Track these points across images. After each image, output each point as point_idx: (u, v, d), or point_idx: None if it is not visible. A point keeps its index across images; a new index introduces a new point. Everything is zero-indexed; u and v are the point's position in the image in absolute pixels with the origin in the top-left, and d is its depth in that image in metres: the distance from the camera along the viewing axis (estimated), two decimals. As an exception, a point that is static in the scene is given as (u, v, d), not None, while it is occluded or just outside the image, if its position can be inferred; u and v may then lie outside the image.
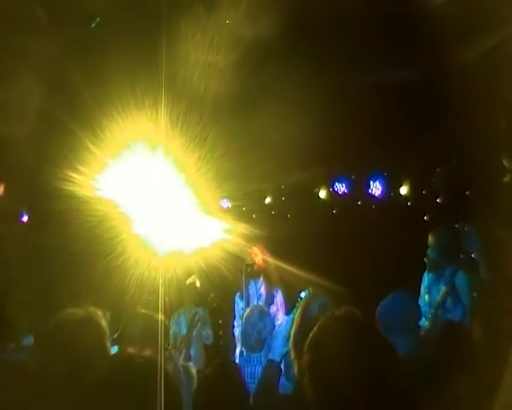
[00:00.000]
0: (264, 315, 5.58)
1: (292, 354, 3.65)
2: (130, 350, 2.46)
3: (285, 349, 3.83)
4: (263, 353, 5.34)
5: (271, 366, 3.83)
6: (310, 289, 6.48)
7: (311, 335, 2.48)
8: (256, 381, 4.86)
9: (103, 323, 3.24)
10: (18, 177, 8.65)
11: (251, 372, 5.06)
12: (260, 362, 5.21)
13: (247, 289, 7.22)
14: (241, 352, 5.79)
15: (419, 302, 6.83)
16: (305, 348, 2.47)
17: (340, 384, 2.29)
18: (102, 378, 2.27)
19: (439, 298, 6.76)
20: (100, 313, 3.30)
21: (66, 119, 6.85)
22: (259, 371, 5.11)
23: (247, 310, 5.67)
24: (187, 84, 7.27)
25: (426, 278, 6.95)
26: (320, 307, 3.60)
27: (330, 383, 2.32)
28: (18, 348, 5.46)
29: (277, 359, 3.81)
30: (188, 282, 8.47)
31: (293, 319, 3.91)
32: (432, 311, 6.75)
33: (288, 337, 3.82)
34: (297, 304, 6.47)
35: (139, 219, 9.76)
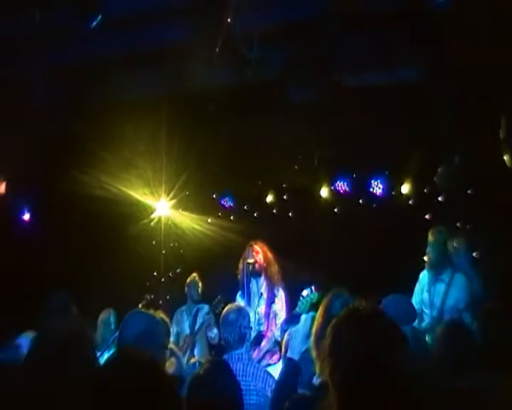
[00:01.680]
0: (242, 310, 5.59)
1: (314, 352, 3.63)
2: (129, 350, 2.45)
3: (304, 347, 3.83)
4: (244, 349, 5.34)
5: (290, 363, 3.82)
6: (312, 287, 6.51)
7: (334, 320, 2.49)
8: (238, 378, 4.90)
9: (91, 337, 3.24)
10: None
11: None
12: (241, 359, 5.20)
13: (249, 288, 7.22)
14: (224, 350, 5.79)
15: (417, 301, 6.84)
16: (328, 332, 2.47)
17: (356, 372, 2.31)
18: (97, 380, 2.26)
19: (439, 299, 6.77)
20: (89, 327, 3.32)
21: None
22: (241, 367, 5.11)
23: (224, 309, 5.65)
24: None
25: (426, 277, 6.95)
26: (342, 305, 3.57)
27: (347, 369, 2.33)
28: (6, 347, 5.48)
29: (296, 357, 3.80)
30: (189, 280, 8.47)
31: (312, 318, 3.89)
32: (433, 311, 6.76)
33: (308, 336, 3.81)
34: (299, 302, 6.51)
35: (141, 218, 9.74)
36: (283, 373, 3.89)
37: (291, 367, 3.83)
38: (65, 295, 5.52)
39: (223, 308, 7.21)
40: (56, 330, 3.10)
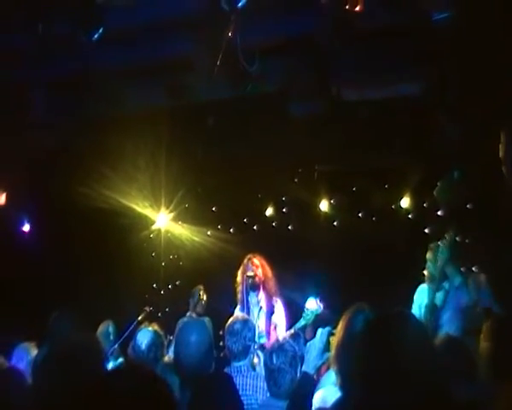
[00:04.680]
0: (248, 322, 5.60)
1: (335, 367, 3.61)
2: (131, 363, 2.43)
3: (320, 362, 3.82)
4: (246, 361, 5.34)
5: (306, 377, 3.80)
6: (317, 298, 6.54)
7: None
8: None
9: (101, 348, 3.23)
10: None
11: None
12: (240, 371, 5.20)
13: (248, 301, 7.22)
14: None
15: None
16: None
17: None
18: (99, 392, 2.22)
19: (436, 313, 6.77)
20: (97, 337, 3.32)
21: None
22: (241, 381, 5.11)
23: (230, 320, 5.66)
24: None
25: (423, 294, 6.96)
26: (364, 320, 3.54)
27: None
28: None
29: (312, 371, 3.79)
30: (193, 291, 8.45)
31: (328, 333, 3.87)
32: (433, 324, 6.76)
33: (324, 351, 3.80)
34: (303, 314, 6.52)
35: (141, 230, 9.73)
36: (298, 387, 3.87)
37: (306, 382, 3.81)
38: (66, 316, 5.40)
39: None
40: (67, 342, 3.09)
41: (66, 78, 7.37)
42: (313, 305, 6.68)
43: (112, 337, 7.47)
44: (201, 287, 8.48)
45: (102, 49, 6.44)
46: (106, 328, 7.51)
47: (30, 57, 6.82)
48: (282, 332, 7.02)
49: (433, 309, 6.78)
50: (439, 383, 2.33)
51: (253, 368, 5.78)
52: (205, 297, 8.39)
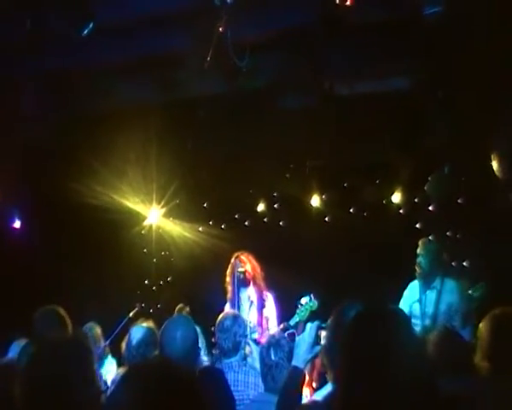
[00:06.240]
0: (237, 318, 5.61)
1: (325, 361, 3.60)
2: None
3: (309, 356, 3.81)
4: (238, 357, 5.35)
5: (295, 372, 3.79)
6: (311, 295, 6.54)
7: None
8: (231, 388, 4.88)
9: (89, 344, 3.19)
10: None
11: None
12: (231, 367, 5.21)
13: (239, 297, 7.23)
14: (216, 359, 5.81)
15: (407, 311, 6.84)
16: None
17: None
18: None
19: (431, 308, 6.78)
20: (85, 333, 3.27)
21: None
22: (232, 377, 5.12)
23: (220, 316, 5.66)
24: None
25: (414, 289, 6.97)
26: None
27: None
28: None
29: (301, 366, 3.78)
30: (177, 308, 8.44)
31: (317, 327, 3.86)
32: (424, 321, 6.77)
33: (313, 345, 3.78)
34: (297, 310, 6.51)
35: (133, 226, 9.71)
36: (288, 382, 3.86)
37: (296, 376, 3.80)
38: (52, 312, 5.30)
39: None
40: (55, 338, 3.06)
41: (56, 72, 7.34)
42: (307, 302, 6.69)
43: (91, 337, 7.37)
44: (182, 305, 8.47)
45: (93, 43, 6.42)
46: (85, 330, 7.42)
47: (20, 52, 6.78)
48: (273, 325, 7.05)
49: (424, 307, 6.80)
50: (425, 378, 2.34)
51: (245, 358, 5.79)
52: (188, 309, 8.41)
